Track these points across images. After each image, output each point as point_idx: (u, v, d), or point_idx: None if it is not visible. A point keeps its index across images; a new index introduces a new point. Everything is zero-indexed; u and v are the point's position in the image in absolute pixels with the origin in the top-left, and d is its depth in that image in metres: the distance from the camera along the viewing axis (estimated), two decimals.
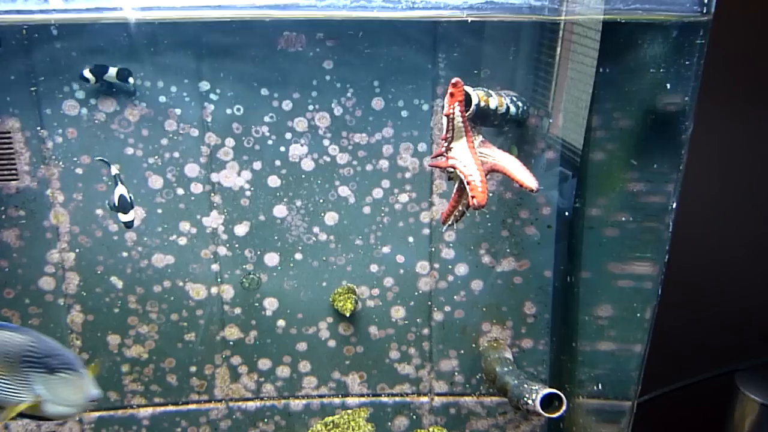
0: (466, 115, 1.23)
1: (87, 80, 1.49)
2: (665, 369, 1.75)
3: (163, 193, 1.63)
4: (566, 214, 1.62)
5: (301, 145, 1.63)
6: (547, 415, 1.44)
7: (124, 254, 1.66)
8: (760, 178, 1.91)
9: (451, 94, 1.17)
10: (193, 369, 1.74)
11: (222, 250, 1.68)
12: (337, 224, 1.68)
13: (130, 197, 1.48)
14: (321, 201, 1.67)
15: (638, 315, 1.45)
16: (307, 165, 1.65)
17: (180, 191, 1.64)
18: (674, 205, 1.17)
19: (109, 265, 1.66)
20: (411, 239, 1.70)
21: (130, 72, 1.52)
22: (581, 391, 1.64)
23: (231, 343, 1.74)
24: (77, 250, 1.64)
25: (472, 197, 1.23)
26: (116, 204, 1.47)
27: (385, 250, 1.70)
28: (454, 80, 1.15)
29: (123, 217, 1.47)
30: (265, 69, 1.57)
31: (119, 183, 1.48)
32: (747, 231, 1.96)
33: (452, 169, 1.28)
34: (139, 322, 1.70)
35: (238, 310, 1.72)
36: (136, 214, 1.53)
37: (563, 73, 1.49)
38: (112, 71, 1.50)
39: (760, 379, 1.70)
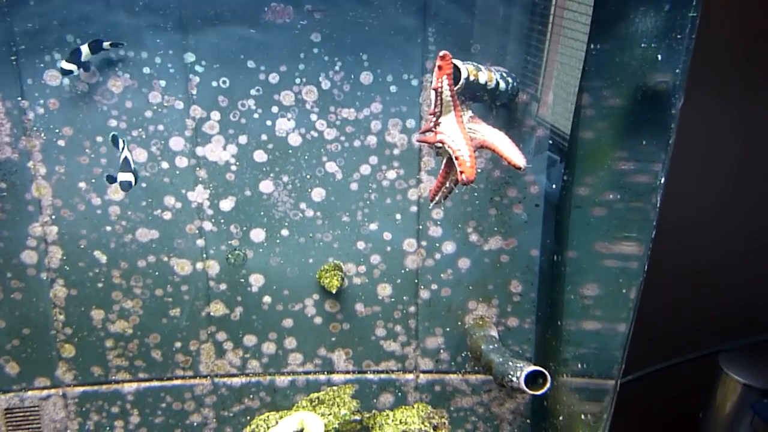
0: (455, 89, 1.21)
1: (70, 72, 1.46)
2: (649, 349, 1.76)
3: (147, 167, 1.61)
4: (553, 187, 1.61)
5: (288, 120, 1.61)
6: (531, 392, 1.45)
7: (108, 228, 1.64)
8: (750, 156, 1.91)
9: (440, 67, 1.15)
10: (178, 345, 1.74)
11: (207, 226, 1.67)
12: (324, 200, 1.67)
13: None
14: (308, 177, 1.65)
15: (623, 294, 1.45)
16: (294, 140, 1.62)
17: (165, 165, 1.61)
18: (662, 183, 1.16)
19: (93, 239, 1.64)
20: (398, 216, 1.69)
21: (100, 41, 1.48)
22: (566, 370, 1.65)
23: (216, 319, 1.73)
24: (60, 224, 1.62)
25: (461, 172, 1.21)
26: (120, 164, 1.51)
27: (373, 227, 1.69)
28: (442, 53, 1.13)
29: (123, 177, 1.49)
30: (252, 41, 1.54)
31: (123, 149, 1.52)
32: (734, 211, 1.96)
33: (440, 145, 1.26)
34: (123, 297, 1.69)
35: (223, 286, 1.71)
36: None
37: (554, 49, 1.47)
38: (85, 50, 1.46)
39: (742, 360, 1.72)
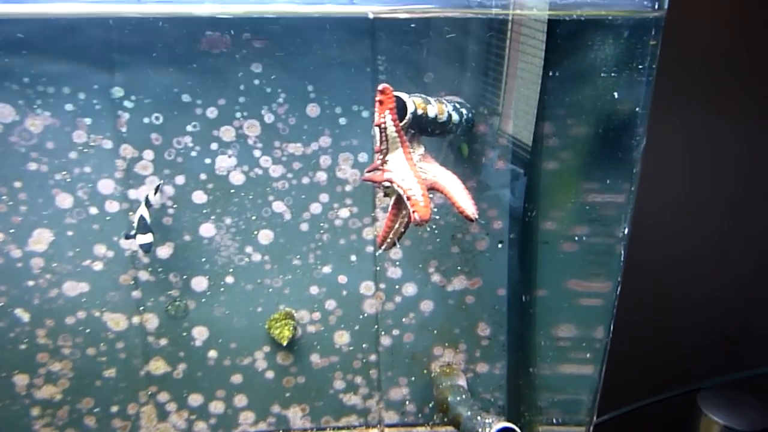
0: (401, 124, 1.09)
1: None
2: (626, 388, 1.67)
3: (74, 213, 1.45)
4: (517, 210, 1.49)
5: (229, 157, 1.48)
6: None
7: (31, 283, 1.47)
8: (719, 185, 1.85)
9: (380, 102, 1.03)
10: (114, 409, 1.57)
11: (143, 275, 1.51)
12: (272, 243, 1.53)
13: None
14: (253, 218, 1.52)
15: (593, 335, 1.35)
16: (237, 178, 1.49)
17: (93, 210, 1.46)
18: (628, 218, 1.06)
19: (13, 295, 1.47)
20: (354, 258, 1.56)
21: None
22: (539, 418, 1.53)
23: (157, 378, 1.57)
24: None
25: (414, 212, 1.10)
26: (135, 225, 1.41)
27: (326, 270, 1.56)
28: (381, 86, 1.02)
29: (142, 239, 1.39)
30: (186, 73, 1.41)
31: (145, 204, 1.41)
32: (707, 243, 1.90)
33: (389, 184, 1.14)
34: (50, 359, 1.52)
35: (163, 342, 1.56)
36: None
37: (512, 76, 1.38)
38: None
39: (722, 399, 1.62)
